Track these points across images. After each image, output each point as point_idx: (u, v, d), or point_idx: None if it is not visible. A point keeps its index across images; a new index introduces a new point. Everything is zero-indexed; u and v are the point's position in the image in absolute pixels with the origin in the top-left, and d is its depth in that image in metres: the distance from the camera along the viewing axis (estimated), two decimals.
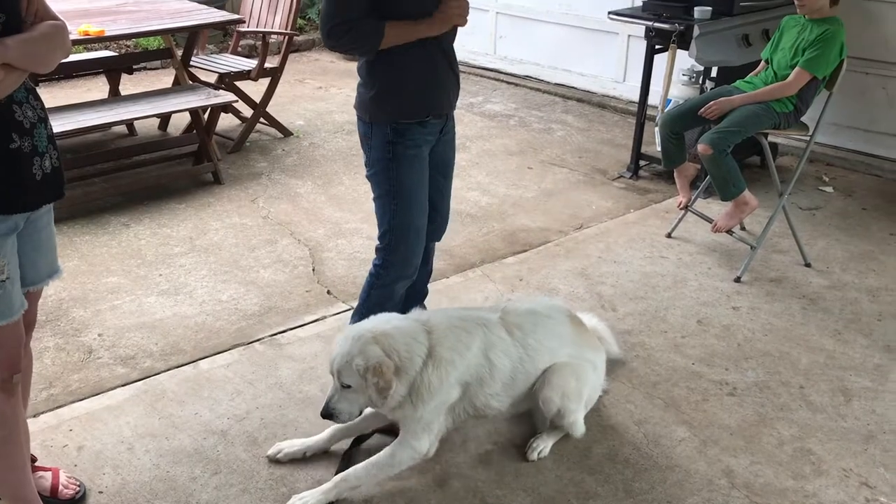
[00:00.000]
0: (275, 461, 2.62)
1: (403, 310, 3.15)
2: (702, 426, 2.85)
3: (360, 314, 2.86)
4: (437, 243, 3.09)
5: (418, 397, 2.46)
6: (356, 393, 2.43)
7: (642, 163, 5.29)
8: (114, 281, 3.79)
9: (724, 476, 2.62)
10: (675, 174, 4.28)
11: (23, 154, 2.02)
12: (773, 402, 3.00)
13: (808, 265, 4.06)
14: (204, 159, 4.93)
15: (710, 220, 4.17)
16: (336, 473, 2.52)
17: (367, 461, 2.50)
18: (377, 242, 2.79)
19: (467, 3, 2.62)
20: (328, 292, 3.74)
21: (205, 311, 3.55)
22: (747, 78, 4.08)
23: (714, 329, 3.50)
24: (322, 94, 6.75)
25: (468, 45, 7.29)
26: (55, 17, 2.13)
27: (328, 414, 2.48)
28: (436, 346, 2.49)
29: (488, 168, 5.36)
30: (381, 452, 2.51)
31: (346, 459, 2.63)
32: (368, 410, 2.59)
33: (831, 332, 3.48)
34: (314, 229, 4.38)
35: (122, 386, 3.02)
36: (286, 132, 5.72)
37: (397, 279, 2.80)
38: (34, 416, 2.79)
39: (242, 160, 5.30)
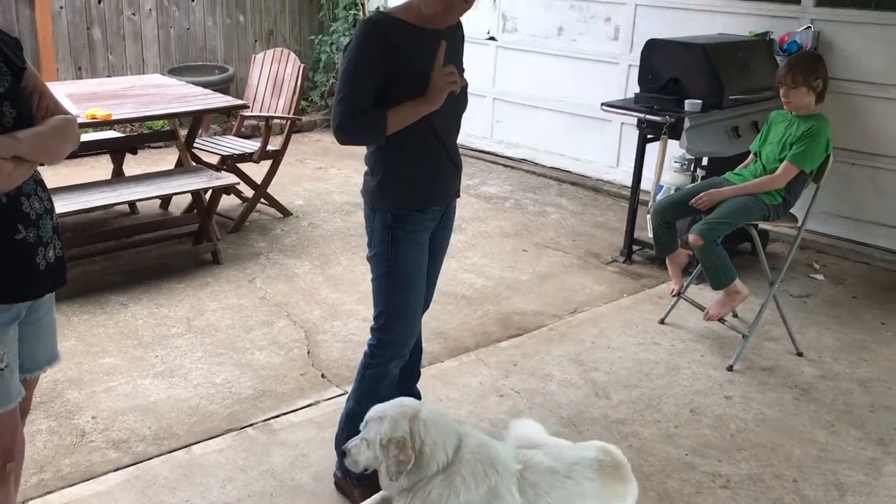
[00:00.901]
0: None
1: (398, 390, 3.18)
2: None
3: (356, 395, 2.89)
4: (423, 321, 3.14)
5: (413, 499, 2.44)
6: (369, 450, 2.42)
7: (635, 247, 5.37)
8: (110, 362, 3.80)
9: None
10: (667, 261, 4.35)
11: (27, 245, 2.07)
12: (766, 496, 2.99)
13: (799, 354, 4.09)
14: (204, 239, 4.99)
15: (702, 308, 4.22)
16: None
17: None
18: (372, 322, 2.83)
19: (454, 70, 2.69)
20: (322, 376, 3.75)
21: (199, 395, 3.55)
22: (737, 170, 4.19)
23: (707, 419, 3.51)
24: (322, 175, 6.88)
25: (466, 128, 7.35)
26: (65, 112, 2.21)
27: (344, 451, 2.53)
28: (455, 464, 2.40)
29: (484, 250, 5.44)
30: None
31: None
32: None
33: (824, 424, 3.49)
34: (310, 311, 4.42)
35: (114, 471, 3.00)
36: (286, 212, 5.81)
37: (391, 359, 2.85)
38: (23, 503, 2.77)
39: (242, 240, 5.37)
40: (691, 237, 3.88)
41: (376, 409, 2.47)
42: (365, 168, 2.82)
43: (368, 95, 2.60)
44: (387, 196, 2.75)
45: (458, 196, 2.95)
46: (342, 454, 2.77)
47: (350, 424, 2.90)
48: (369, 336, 2.87)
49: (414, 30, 2.63)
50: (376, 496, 2.69)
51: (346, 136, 2.68)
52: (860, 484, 3.08)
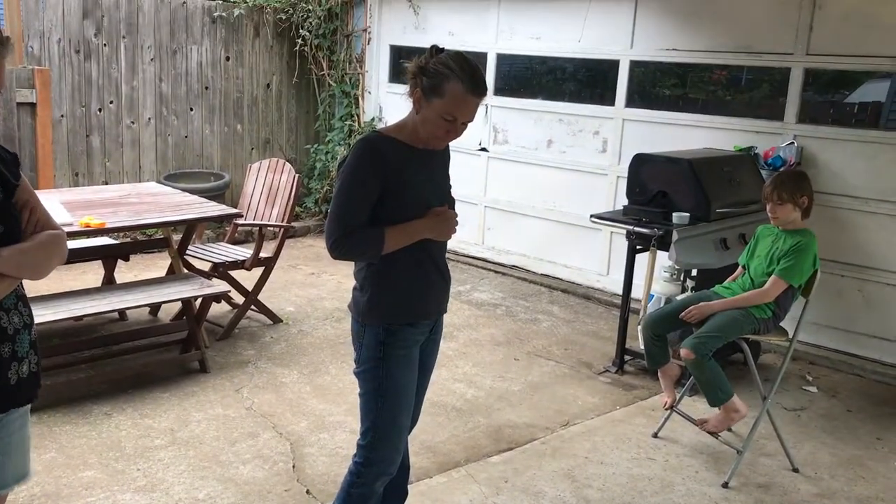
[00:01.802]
0: None
1: None
2: None
3: None
4: (412, 434, 3.09)
5: None
6: None
7: (627, 357, 5.34)
8: (90, 475, 3.70)
9: None
10: (658, 374, 4.32)
11: (1, 360, 2.06)
12: None
13: (795, 470, 4.02)
14: (192, 347, 4.95)
15: (694, 422, 4.16)
16: None
17: None
18: (359, 438, 2.78)
19: (454, 215, 2.78)
20: (307, 492, 3.65)
21: None
22: (725, 283, 4.22)
23: None
24: (314, 280, 6.89)
25: (458, 234, 7.45)
26: (54, 226, 2.23)
27: None
28: None
29: (475, 359, 5.40)
30: None
31: None
32: None
33: None
34: (297, 422, 4.34)
35: None
36: (276, 319, 5.79)
37: (378, 476, 2.79)
38: None
39: (230, 347, 5.33)
40: (683, 352, 3.87)
41: None
42: (354, 283, 2.83)
43: (364, 212, 2.64)
44: (377, 312, 2.75)
45: (446, 310, 2.95)
46: None
47: None
48: (355, 452, 2.81)
49: (408, 149, 2.70)
50: None
51: (341, 253, 2.71)
52: None
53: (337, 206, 2.67)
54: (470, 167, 7.38)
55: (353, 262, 2.82)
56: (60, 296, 4.66)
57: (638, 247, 5.06)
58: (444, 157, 2.87)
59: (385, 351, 2.72)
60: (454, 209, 2.86)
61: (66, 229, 2.30)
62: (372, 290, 2.74)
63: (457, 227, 2.80)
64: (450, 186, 2.91)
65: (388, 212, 2.66)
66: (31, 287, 2.33)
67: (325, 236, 2.69)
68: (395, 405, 2.76)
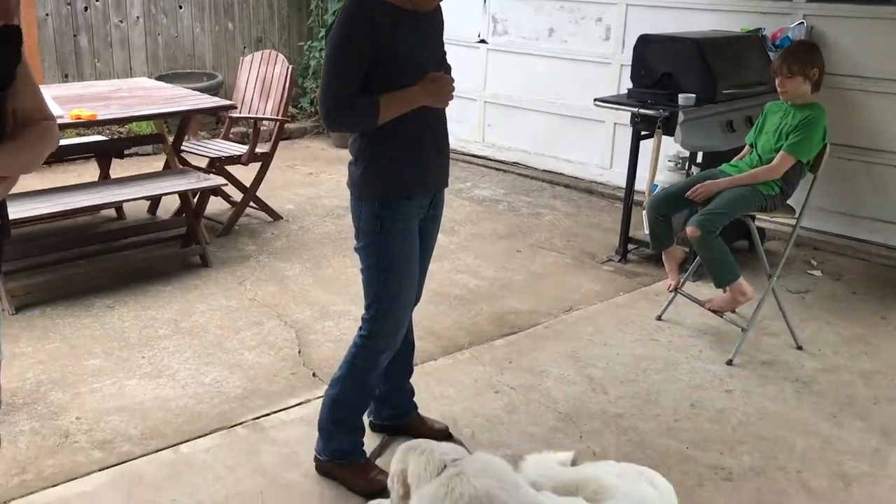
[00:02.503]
0: None
1: (388, 383, 3.11)
2: None
3: (342, 384, 2.82)
4: (416, 319, 3.09)
5: None
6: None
7: (631, 247, 5.31)
8: (95, 363, 3.70)
9: None
10: (663, 257, 4.28)
11: None
12: (770, 488, 2.91)
13: (799, 348, 4.02)
14: (192, 242, 4.91)
15: (699, 303, 4.15)
16: None
17: None
18: (363, 313, 2.75)
19: (451, 81, 2.67)
20: (314, 375, 3.66)
21: (187, 395, 3.46)
22: (733, 162, 4.14)
23: (707, 412, 3.43)
24: (312, 180, 6.80)
25: (457, 132, 7.37)
26: (47, 115, 2.14)
27: None
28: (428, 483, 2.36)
29: (477, 251, 5.36)
30: None
31: None
32: None
33: (826, 416, 3.42)
34: (301, 311, 4.33)
35: (99, 471, 2.91)
36: (276, 216, 5.73)
37: (382, 350, 2.78)
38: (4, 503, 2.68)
39: (231, 243, 5.28)
40: (689, 229, 3.82)
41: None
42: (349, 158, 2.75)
43: (356, 79, 2.54)
44: (373, 185, 2.67)
45: (447, 185, 2.88)
46: (328, 435, 2.80)
47: (336, 410, 2.83)
48: (360, 326, 2.79)
49: (399, 12, 2.57)
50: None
51: (335, 123, 2.65)
52: (865, 474, 3.01)
53: (327, 75, 2.56)
54: (468, 61, 7.17)
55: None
56: (55, 190, 4.59)
57: (642, 132, 4.95)
58: (437, 21, 2.74)
59: (383, 225, 2.66)
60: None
61: (57, 122, 2.21)
62: (367, 163, 2.66)
63: (453, 94, 2.70)
64: (444, 53, 2.80)
65: (382, 79, 2.55)
66: (25, 184, 2.26)
67: (318, 106, 2.60)
68: (397, 278, 2.72)
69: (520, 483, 2.40)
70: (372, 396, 2.96)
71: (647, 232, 4.45)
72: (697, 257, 4.20)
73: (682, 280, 4.33)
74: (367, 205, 2.68)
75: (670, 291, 4.30)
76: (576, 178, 6.87)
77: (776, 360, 3.91)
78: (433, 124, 2.73)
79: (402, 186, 2.68)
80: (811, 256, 5.32)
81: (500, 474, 2.38)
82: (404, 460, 2.40)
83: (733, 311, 4.31)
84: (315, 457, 2.93)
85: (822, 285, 4.88)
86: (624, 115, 5.34)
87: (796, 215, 4.04)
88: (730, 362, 3.86)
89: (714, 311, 4.05)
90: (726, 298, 3.99)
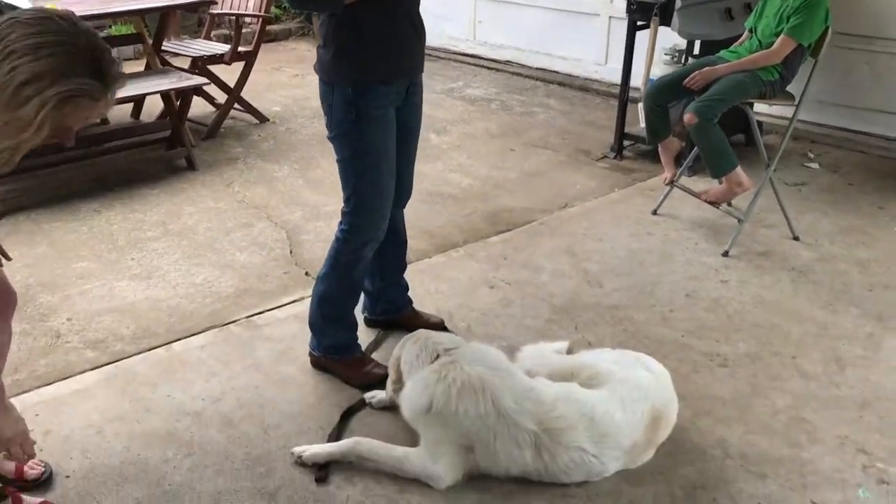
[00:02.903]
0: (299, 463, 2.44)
1: (383, 280, 3.07)
2: (693, 398, 2.76)
3: (329, 279, 2.78)
4: (408, 219, 3.03)
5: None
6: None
7: (626, 143, 5.21)
8: (84, 266, 3.66)
9: (718, 446, 2.53)
10: (659, 149, 4.20)
11: None
12: (765, 373, 2.92)
13: (796, 238, 3.99)
14: (177, 145, 4.80)
15: (696, 195, 4.09)
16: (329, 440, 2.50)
17: (385, 444, 2.41)
18: (343, 206, 2.68)
19: None
20: (306, 274, 3.63)
21: (178, 295, 3.43)
22: (732, 48, 4.01)
23: (703, 302, 3.42)
24: (299, 82, 6.63)
25: (447, 30, 7.19)
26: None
27: None
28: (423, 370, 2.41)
29: (470, 150, 5.27)
30: (401, 448, 2.39)
31: (336, 434, 2.53)
32: None
33: (822, 304, 3.41)
34: (291, 212, 4.27)
35: (92, 370, 2.89)
36: (262, 118, 5.60)
37: (365, 243, 2.71)
38: None
39: (217, 146, 5.17)
40: (686, 116, 3.72)
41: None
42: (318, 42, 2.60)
43: None
44: (344, 68, 2.52)
45: (422, 70, 2.75)
46: (320, 332, 2.80)
47: (324, 306, 2.80)
48: (340, 220, 2.72)
49: None
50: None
51: (299, 2, 2.54)
52: (860, 358, 3.01)
53: None
54: None
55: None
56: None
57: (638, 22, 4.79)
58: None
59: (357, 112, 2.52)
60: None
61: None
62: (337, 45, 2.50)
63: None
64: None
65: None
66: None
67: None
68: (374, 169, 2.61)
69: (513, 370, 2.39)
70: (359, 291, 2.91)
71: (643, 124, 4.35)
72: (694, 150, 4.12)
73: (678, 173, 4.26)
74: (340, 91, 2.53)
75: (666, 185, 4.23)
76: (570, 75, 6.71)
77: (772, 251, 3.89)
78: (408, 6, 2.58)
79: (376, 69, 2.52)
80: (808, 149, 5.23)
81: (493, 362, 2.38)
82: (401, 347, 2.39)
83: (729, 204, 4.26)
84: (310, 353, 2.92)
85: (819, 177, 4.81)
86: (619, 7, 5.17)
87: (795, 102, 3.94)
88: (726, 254, 3.83)
89: (710, 203, 4.00)
90: (723, 189, 3.92)
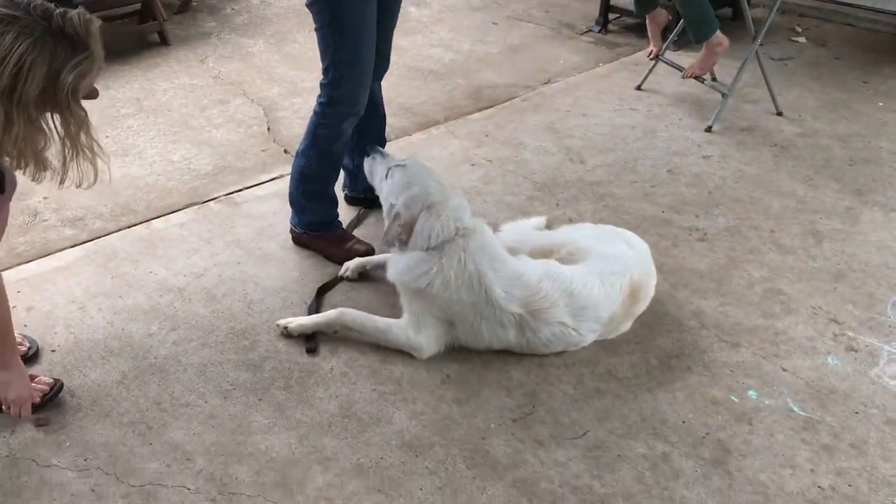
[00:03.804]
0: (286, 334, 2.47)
1: (362, 156, 3.03)
2: (671, 270, 2.80)
3: (307, 156, 2.75)
4: (388, 96, 2.97)
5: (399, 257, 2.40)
6: (381, 188, 2.48)
7: (611, 16, 5.08)
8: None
9: (694, 317, 2.58)
10: (647, 21, 4.10)
11: None
12: (743, 246, 2.95)
13: (779, 114, 3.96)
14: (149, 18, 4.63)
15: (680, 69, 4.02)
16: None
17: (368, 315, 2.43)
18: (321, 78, 2.61)
19: None
20: (285, 151, 3.57)
21: (156, 172, 3.38)
22: None
23: (684, 178, 3.42)
24: None
25: None
26: None
27: (370, 151, 2.58)
28: (441, 250, 2.31)
29: (451, 24, 5.12)
30: (384, 319, 2.42)
31: (315, 309, 2.56)
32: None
33: (802, 178, 3.42)
34: (268, 89, 4.16)
35: (72, 247, 2.88)
36: None
37: (345, 117, 2.65)
38: None
39: (190, 20, 4.99)
40: None
41: (419, 170, 2.43)
42: None
43: None
44: None
45: None
46: (300, 209, 2.81)
47: (304, 182, 2.77)
48: (318, 93, 2.66)
49: None
50: (359, 261, 2.71)
51: None
52: (837, 231, 3.05)
53: None
54: None
55: None
56: None
57: None
58: None
59: None
60: None
61: None
62: None
63: None
64: None
65: None
66: None
67: None
68: (353, 38, 2.53)
69: (508, 260, 2.37)
70: (339, 167, 2.88)
71: None
72: (680, 23, 4.01)
73: (663, 47, 4.17)
74: None
75: (650, 59, 4.16)
76: None
77: (755, 126, 3.86)
78: None
79: None
80: (796, 23, 5.13)
81: (495, 253, 2.35)
82: (411, 207, 2.32)
83: (714, 78, 4.20)
84: (291, 229, 2.91)
85: (805, 52, 4.73)
86: None
87: None
88: (709, 129, 3.80)
89: (695, 77, 3.93)
90: (702, 56, 3.85)
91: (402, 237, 2.32)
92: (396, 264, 2.38)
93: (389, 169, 2.44)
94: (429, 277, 2.29)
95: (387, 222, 2.41)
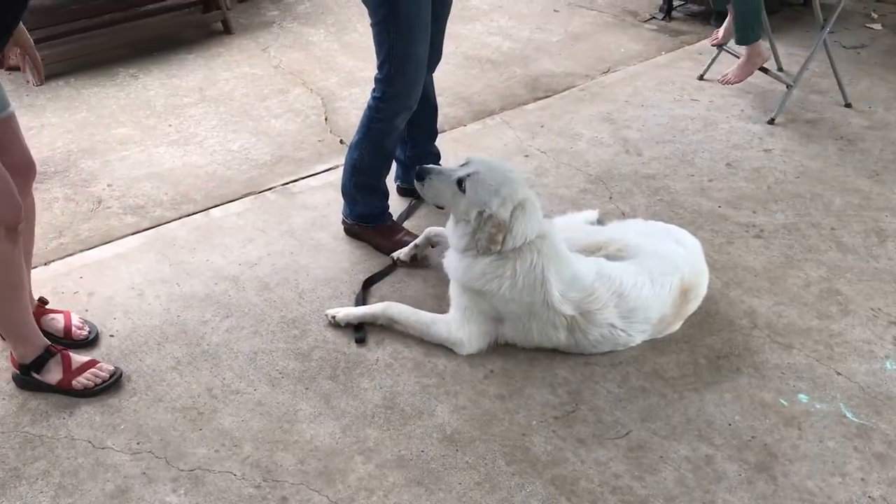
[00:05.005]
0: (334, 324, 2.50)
1: (415, 147, 3.05)
2: (725, 268, 2.74)
3: (361, 147, 2.76)
4: (435, 77, 2.98)
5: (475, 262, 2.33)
6: (458, 202, 2.30)
7: (676, 3, 4.97)
8: (123, 132, 3.69)
9: (746, 316, 2.53)
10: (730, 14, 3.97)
11: None
12: (801, 244, 2.87)
13: (848, 105, 3.82)
14: (213, 7, 4.72)
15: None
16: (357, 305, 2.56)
17: (414, 309, 2.45)
18: (376, 73, 2.63)
19: None
20: (341, 142, 3.61)
21: (215, 161, 3.46)
22: None
23: (743, 172, 3.34)
24: None
25: None
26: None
27: (421, 174, 2.37)
28: (520, 251, 2.27)
29: (511, 11, 5.08)
30: (429, 313, 2.44)
31: (362, 300, 2.59)
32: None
33: (868, 173, 3.30)
34: (327, 78, 4.21)
35: (133, 234, 2.97)
36: None
37: (398, 112, 2.67)
38: (45, 265, 2.77)
39: (253, 9, 5.07)
40: None
41: (491, 169, 2.30)
42: None
43: None
44: None
45: None
46: (352, 200, 2.83)
47: (357, 175, 2.80)
48: (373, 87, 2.67)
49: None
50: (419, 240, 2.73)
51: None
52: None
53: None
54: None
55: None
56: None
57: None
58: None
59: None
60: None
61: None
62: None
63: None
64: None
65: None
66: None
67: None
68: (408, 33, 2.54)
69: (572, 261, 2.34)
70: (391, 160, 2.90)
71: None
72: (734, 10, 3.85)
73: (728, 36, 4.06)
74: None
75: (713, 45, 4.05)
76: None
77: (821, 119, 3.74)
78: None
79: None
80: (872, 8, 4.93)
81: (565, 258, 2.33)
82: (505, 208, 2.24)
83: (780, 69, 4.08)
84: (342, 220, 2.95)
85: (880, 39, 4.55)
86: None
87: None
88: (772, 121, 3.70)
89: (730, 83, 3.81)
90: (742, 64, 3.74)
91: (497, 240, 2.23)
92: (469, 269, 2.31)
93: (461, 181, 2.29)
94: (500, 281, 2.27)
95: (462, 230, 2.32)
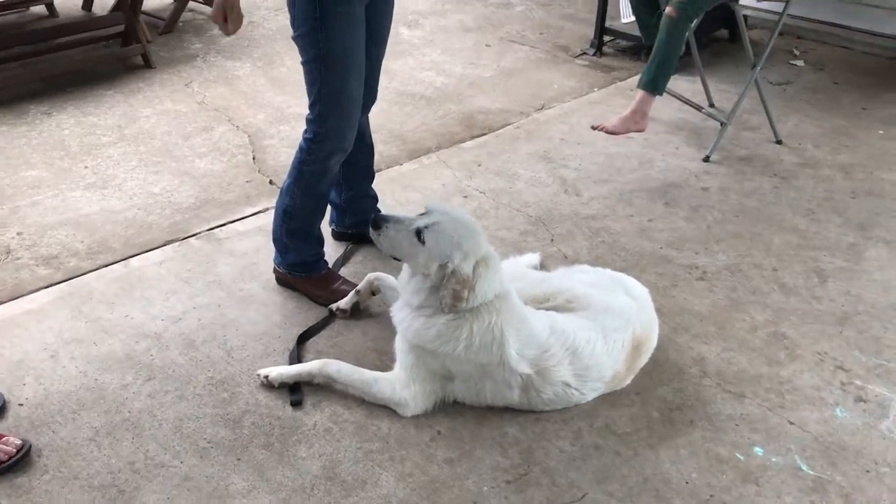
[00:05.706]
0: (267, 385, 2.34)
1: (351, 190, 2.93)
2: (672, 313, 2.69)
3: (292, 191, 2.61)
4: (378, 122, 2.84)
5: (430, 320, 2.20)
6: (416, 254, 2.14)
7: (606, 38, 4.99)
8: (34, 175, 3.46)
9: (696, 364, 2.47)
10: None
11: None
12: (745, 286, 2.85)
13: (779, 142, 3.87)
14: (132, 41, 4.51)
15: (676, 96, 3.92)
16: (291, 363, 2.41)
17: (353, 366, 2.30)
18: (307, 113, 2.50)
19: None
20: (270, 182, 3.46)
21: (135, 206, 3.26)
22: None
23: (682, 211, 3.31)
24: None
25: None
26: None
27: (377, 223, 2.20)
28: (479, 311, 2.15)
29: (443, 46, 5.02)
30: (371, 371, 2.29)
31: (297, 356, 2.44)
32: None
33: (804, 212, 3.32)
34: (254, 115, 4.05)
35: (45, 288, 2.75)
36: None
37: (331, 154, 2.53)
38: None
39: (175, 42, 4.88)
40: (668, 9, 3.48)
41: (454, 220, 2.16)
42: None
43: None
44: None
45: None
46: (284, 248, 2.69)
47: (288, 221, 2.65)
48: (304, 129, 2.54)
49: None
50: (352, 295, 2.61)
51: None
52: (841, 269, 2.95)
53: None
54: None
55: None
56: None
57: None
58: None
59: (321, 9, 2.32)
60: None
61: None
62: None
63: None
64: None
65: None
66: None
67: None
68: (341, 72, 2.42)
69: (529, 319, 2.24)
70: (325, 204, 2.75)
71: (625, 19, 4.12)
72: (653, 48, 3.80)
73: None
74: None
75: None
76: None
77: (755, 155, 3.77)
78: None
79: None
80: (794, 45, 5.05)
81: (523, 316, 2.23)
82: (467, 261, 2.10)
83: (711, 105, 4.11)
84: (274, 269, 2.79)
85: (804, 76, 4.65)
86: None
87: None
88: (706, 159, 3.71)
89: (609, 133, 3.65)
90: (626, 116, 3.58)
91: (462, 297, 2.09)
92: (424, 328, 2.16)
93: (419, 231, 2.14)
94: (456, 343, 2.14)
95: (418, 284, 2.19)
